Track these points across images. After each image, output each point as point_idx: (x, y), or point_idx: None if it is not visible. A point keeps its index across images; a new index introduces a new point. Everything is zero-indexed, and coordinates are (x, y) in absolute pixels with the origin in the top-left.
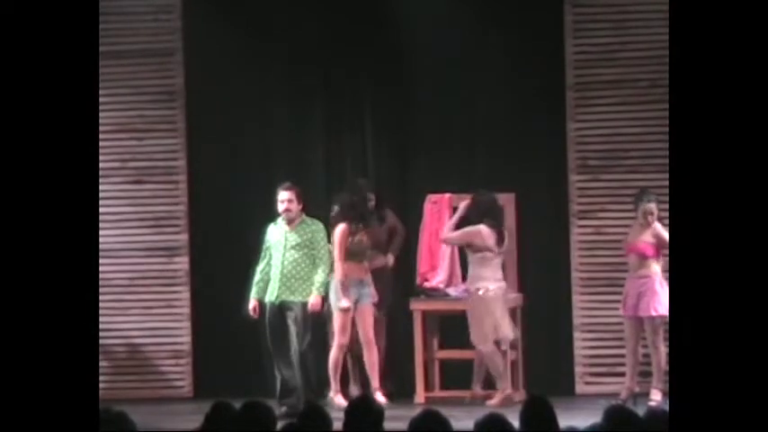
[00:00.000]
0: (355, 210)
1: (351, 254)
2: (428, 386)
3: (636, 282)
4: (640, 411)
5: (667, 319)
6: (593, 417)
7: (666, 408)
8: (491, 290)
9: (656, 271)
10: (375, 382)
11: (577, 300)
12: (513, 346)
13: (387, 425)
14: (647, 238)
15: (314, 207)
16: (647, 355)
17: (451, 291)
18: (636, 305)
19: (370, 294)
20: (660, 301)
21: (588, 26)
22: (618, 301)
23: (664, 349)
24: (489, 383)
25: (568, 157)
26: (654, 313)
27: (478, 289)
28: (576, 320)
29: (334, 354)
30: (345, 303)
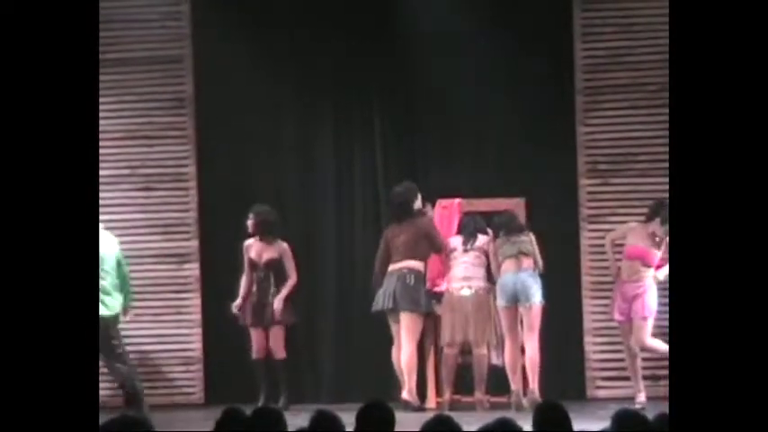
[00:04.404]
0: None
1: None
2: (439, 391)
3: (630, 286)
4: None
5: (653, 318)
6: (605, 421)
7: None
8: (457, 287)
9: (650, 275)
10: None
11: (588, 304)
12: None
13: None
14: (656, 250)
15: (323, 213)
16: (648, 359)
17: None
18: (629, 309)
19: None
20: (653, 301)
21: (597, 30)
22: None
23: (662, 348)
24: (497, 388)
25: (578, 162)
26: (647, 314)
27: (447, 289)
28: (587, 325)
29: (512, 353)
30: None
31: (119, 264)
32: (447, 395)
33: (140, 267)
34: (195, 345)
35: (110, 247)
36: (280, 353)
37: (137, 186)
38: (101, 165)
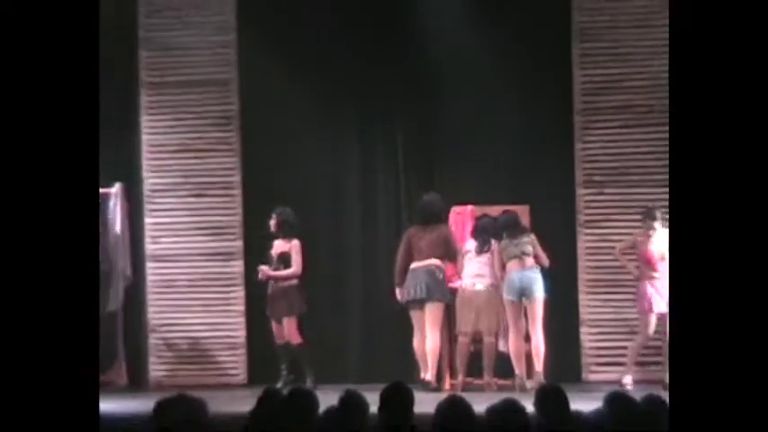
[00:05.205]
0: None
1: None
2: (453, 374)
3: (662, 281)
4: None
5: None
6: (598, 401)
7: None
8: (470, 282)
9: None
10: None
11: (583, 299)
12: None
13: (416, 407)
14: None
15: (351, 214)
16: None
17: None
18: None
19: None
20: None
21: (593, 59)
22: (619, 300)
23: None
24: (504, 372)
25: (576, 174)
26: None
27: (461, 285)
28: (582, 317)
29: (516, 342)
30: (509, 297)
31: None
32: (460, 378)
33: (192, 264)
34: (239, 332)
35: None
36: (295, 339)
37: (190, 193)
38: (159, 174)
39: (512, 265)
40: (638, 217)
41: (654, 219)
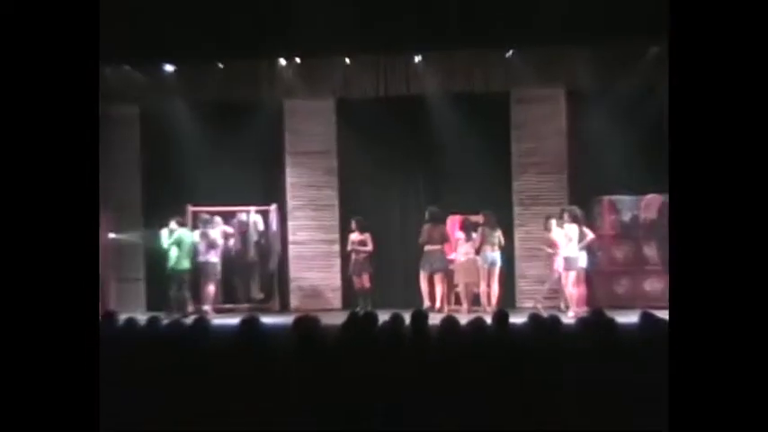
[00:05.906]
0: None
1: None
2: (449, 304)
3: (560, 255)
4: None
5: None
6: (524, 318)
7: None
8: (462, 257)
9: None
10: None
11: (518, 265)
12: (489, 286)
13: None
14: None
15: (393, 220)
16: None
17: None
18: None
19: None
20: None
21: (521, 138)
22: (536, 266)
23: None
24: (476, 303)
25: (513, 198)
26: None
27: (458, 257)
28: (517, 273)
29: (484, 288)
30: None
31: (190, 246)
32: (465, 306)
33: (313, 246)
34: (337, 282)
35: (189, 237)
36: (367, 285)
37: (311, 209)
38: (296, 199)
39: (486, 248)
40: (543, 221)
41: (548, 221)
